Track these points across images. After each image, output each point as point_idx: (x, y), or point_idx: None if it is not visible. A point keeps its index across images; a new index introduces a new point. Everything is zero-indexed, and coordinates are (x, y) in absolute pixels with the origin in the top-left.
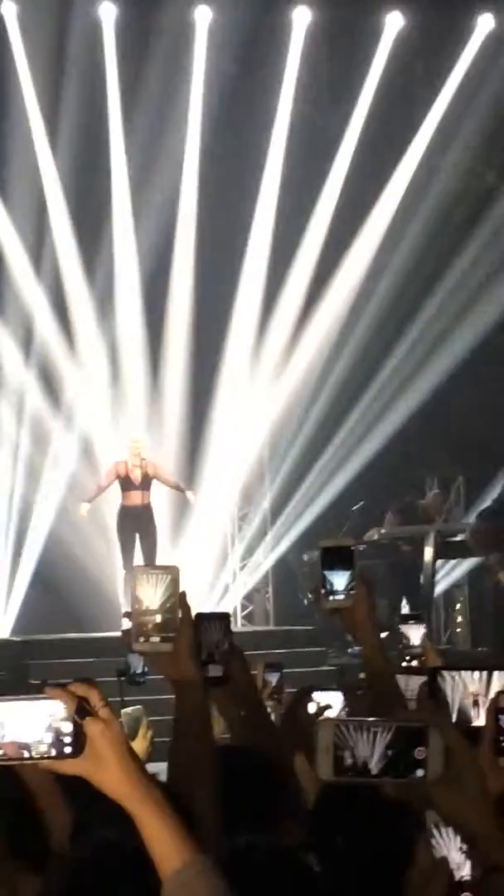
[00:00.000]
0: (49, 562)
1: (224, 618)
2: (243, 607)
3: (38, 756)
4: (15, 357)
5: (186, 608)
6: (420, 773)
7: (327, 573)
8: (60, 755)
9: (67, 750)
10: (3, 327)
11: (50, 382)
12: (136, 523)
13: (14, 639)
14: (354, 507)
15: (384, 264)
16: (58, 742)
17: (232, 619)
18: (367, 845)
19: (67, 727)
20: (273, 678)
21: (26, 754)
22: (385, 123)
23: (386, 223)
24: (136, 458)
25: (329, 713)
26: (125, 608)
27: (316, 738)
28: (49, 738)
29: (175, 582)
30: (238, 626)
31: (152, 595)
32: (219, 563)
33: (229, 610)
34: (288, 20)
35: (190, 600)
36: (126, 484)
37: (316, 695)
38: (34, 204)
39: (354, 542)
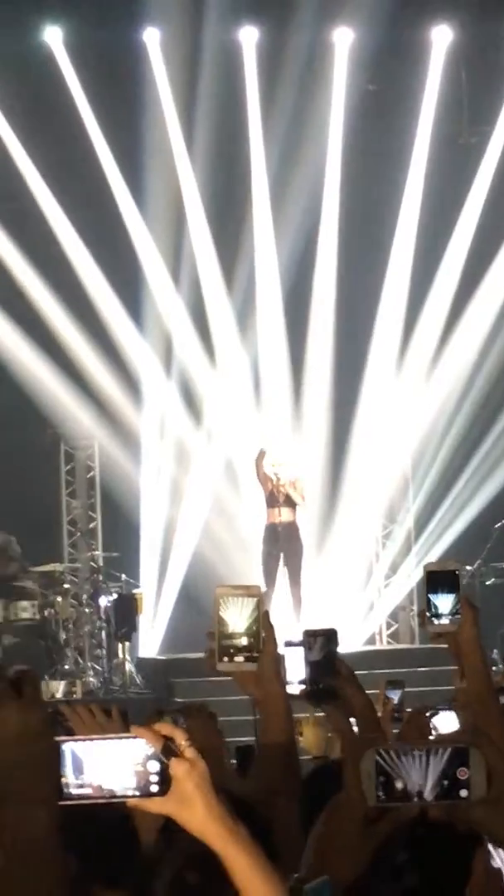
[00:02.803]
0: (193, 580)
1: (330, 634)
2: (388, 625)
3: (123, 794)
4: (156, 372)
5: (269, 628)
6: (464, 793)
7: (432, 596)
8: (146, 794)
9: (153, 789)
10: (144, 342)
11: (191, 399)
12: (280, 541)
13: (160, 657)
14: (497, 525)
15: None
16: (144, 781)
17: (377, 637)
18: (427, 862)
19: (154, 766)
20: (395, 696)
21: (111, 793)
22: None
23: None
24: (276, 477)
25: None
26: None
27: (360, 766)
28: (135, 776)
29: (259, 602)
30: (383, 644)
31: (237, 616)
32: (363, 580)
33: (374, 629)
34: (427, 39)
35: (332, 619)
36: (271, 500)
37: (436, 717)
38: (174, 219)
39: (459, 565)
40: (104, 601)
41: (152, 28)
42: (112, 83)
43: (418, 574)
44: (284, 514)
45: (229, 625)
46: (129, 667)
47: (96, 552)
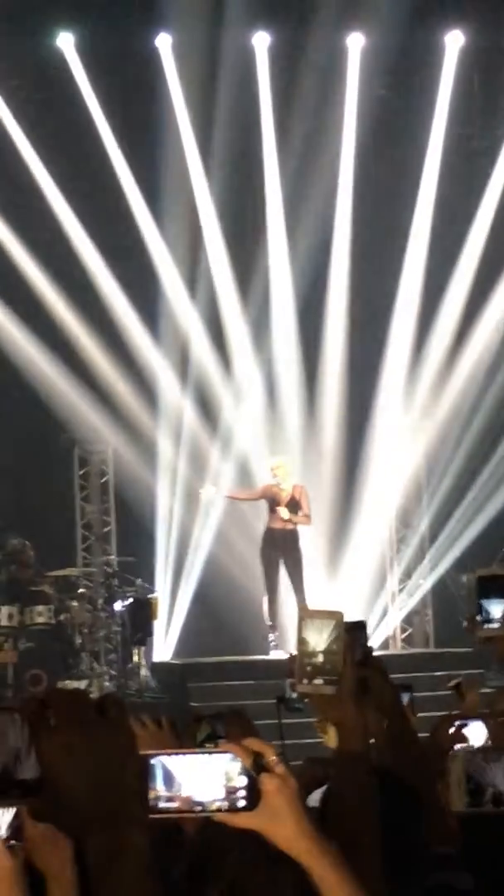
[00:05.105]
0: (208, 586)
1: (360, 627)
2: (403, 630)
3: (211, 808)
4: (172, 381)
5: (350, 651)
6: None
7: (483, 601)
8: (234, 808)
9: (241, 803)
10: (160, 351)
11: (207, 406)
12: (278, 546)
13: (175, 662)
14: None
15: None
16: (232, 795)
17: (391, 641)
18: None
19: (242, 781)
20: (404, 699)
21: (200, 807)
22: None
23: None
24: (277, 480)
25: (472, 739)
26: (270, 634)
27: (449, 770)
28: (223, 791)
29: (340, 626)
30: (398, 648)
31: (318, 638)
32: (377, 586)
33: (388, 633)
34: (440, 44)
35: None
36: (273, 505)
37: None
38: (189, 229)
39: None
40: (119, 606)
41: (165, 33)
42: (125, 89)
43: (433, 579)
44: (283, 520)
45: (311, 646)
46: (143, 671)
47: (111, 556)
